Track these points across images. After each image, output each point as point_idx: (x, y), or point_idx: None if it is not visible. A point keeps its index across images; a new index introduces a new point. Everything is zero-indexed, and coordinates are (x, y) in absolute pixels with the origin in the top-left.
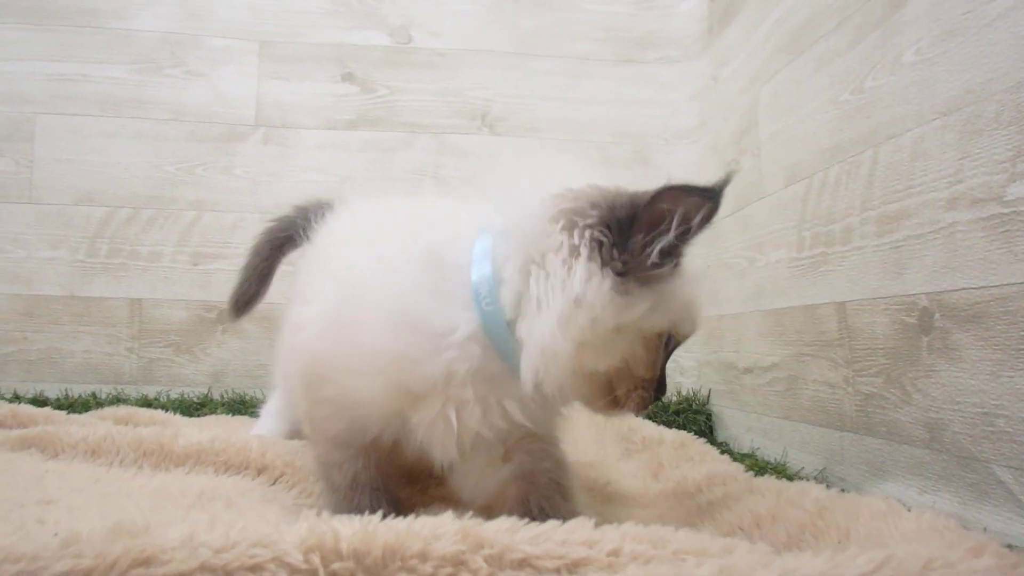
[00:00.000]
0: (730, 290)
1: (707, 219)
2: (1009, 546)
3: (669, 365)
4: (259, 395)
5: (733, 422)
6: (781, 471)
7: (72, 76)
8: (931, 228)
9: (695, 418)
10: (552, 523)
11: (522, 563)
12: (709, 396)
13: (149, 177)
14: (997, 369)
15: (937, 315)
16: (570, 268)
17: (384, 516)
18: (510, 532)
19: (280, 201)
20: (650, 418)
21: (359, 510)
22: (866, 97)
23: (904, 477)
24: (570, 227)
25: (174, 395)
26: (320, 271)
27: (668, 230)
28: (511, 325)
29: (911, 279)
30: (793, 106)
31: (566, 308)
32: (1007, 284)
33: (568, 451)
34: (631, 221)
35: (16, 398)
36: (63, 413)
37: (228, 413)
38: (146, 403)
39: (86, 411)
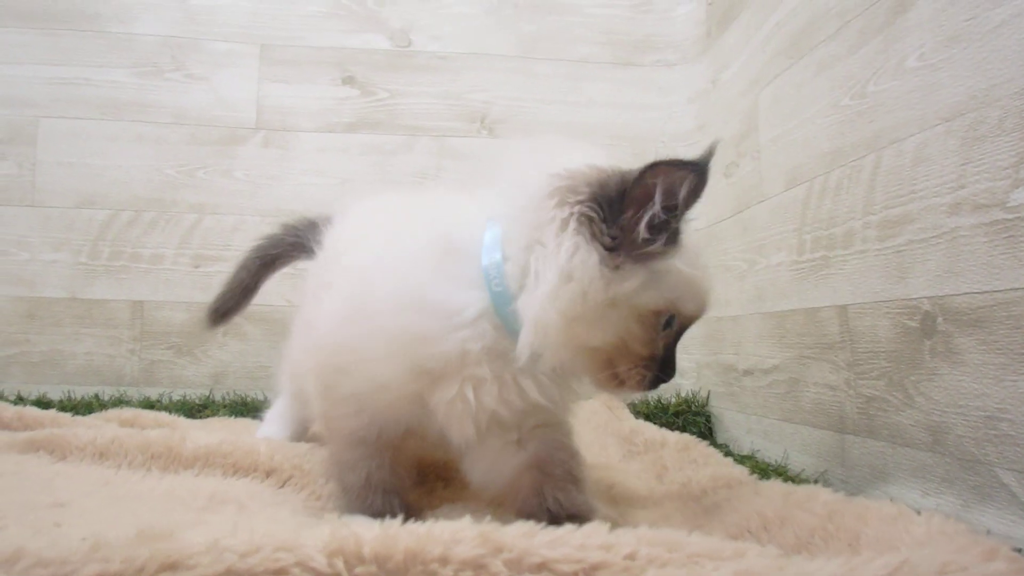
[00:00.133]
0: (730, 292)
1: (694, 193)
2: (1018, 550)
3: None
4: (260, 396)
5: (733, 424)
6: (782, 473)
7: (74, 80)
8: (934, 233)
9: (695, 420)
10: (568, 527)
11: (541, 567)
12: (708, 398)
13: (150, 180)
14: (1001, 373)
15: (940, 319)
16: (560, 243)
17: (403, 520)
18: (528, 536)
19: (280, 204)
20: (649, 420)
21: (372, 511)
22: (868, 102)
23: (906, 480)
24: (562, 203)
25: (176, 397)
26: (333, 271)
27: (655, 204)
28: (515, 300)
29: (914, 283)
30: (793, 110)
31: (556, 282)
32: (1011, 289)
33: None
34: (622, 197)
35: (20, 400)
36: (69, 415)
37: (230, 414)
38: (148, 405)
39: (89, 413)
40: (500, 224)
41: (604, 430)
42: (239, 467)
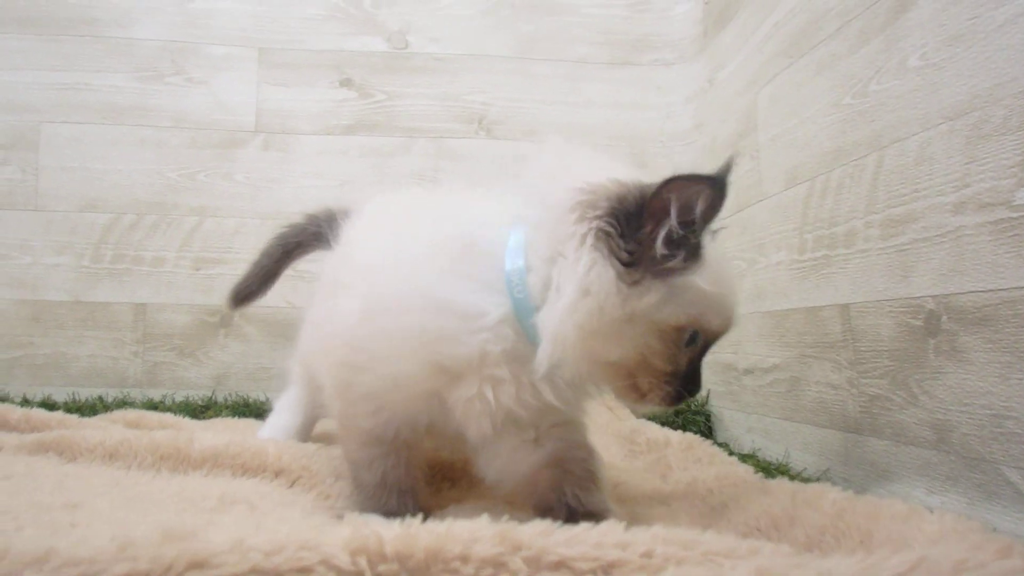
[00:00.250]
0: None
1: (712, 208)
2: None
3: None
4: (262, 398)
5: (733, 423)
6: (784, 471)
7: (75, 85)
8: (937, 232)
9: (694, 419)
10: (585, 525)
11: (559, 565)
12: (708, 397)
13: (152, 184)
14: (1006, 371)
15: (944, 317)
16: (579, 258)
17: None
18: (545, 534)
19: (280, 206)
20: (650, 419)
21: (386, 510)
22: (870, 101)
23: (910, 478)
24: (582, 218)
25: (179, 398)
26: (353, 265)
27: (671, 220)
28: (538, 311)
29: (917, 282)
30: (793, 109)
31: (574, 296)
32: (1016, 287)
33: None
34: (640, 212)
35: (25, 402)
36: (75, 417)
37: (232, 415)
38: (151, 406)
39: (93, 414)
40: (524, 230)
41: (605, 430)
42: (248, 468)
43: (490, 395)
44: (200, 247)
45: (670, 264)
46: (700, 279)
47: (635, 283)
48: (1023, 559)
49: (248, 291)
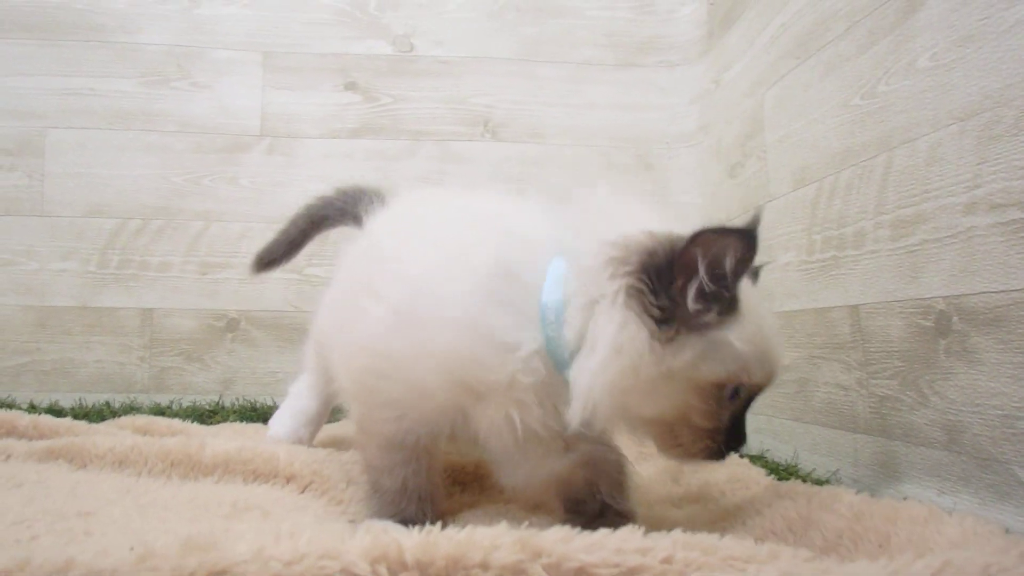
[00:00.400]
0: None
1: (743, 262)
2: None
3: None
4: (269, 402)
5: None
6: (793, 472)
7: (80, 90)
8: (948, 232)
9: None
10: (604, 531)
11: (579, 571)
12: None
13: (157, 188)
14: (1018, 372)
15: (955, 318)
16: (612, 318)
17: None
18: (565, 541)
19: (286, 211)
20: None
21: (404, 517)
22: (879, 102)
23: (921, 479)
24: (614, 275)
25: (186, 403)
26: (385, 271)
27: (700, 274)
28: (572, 356)
29: (927, 283)
30: (801, 110)
31: (606, 354)
32: None
33: None
34: (671, 266)
35: (32, 408)
36: (84, 423)
37: (240, 420)
38: (159, 411)
39: (101, 420)
40: (565, 263)
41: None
42: (259, 473)
43: (516, 417)
44: (206, 251)
45: (705, 319)
46: (736, 335)
47: (670, 340)
48: None
49: (272, 257)
